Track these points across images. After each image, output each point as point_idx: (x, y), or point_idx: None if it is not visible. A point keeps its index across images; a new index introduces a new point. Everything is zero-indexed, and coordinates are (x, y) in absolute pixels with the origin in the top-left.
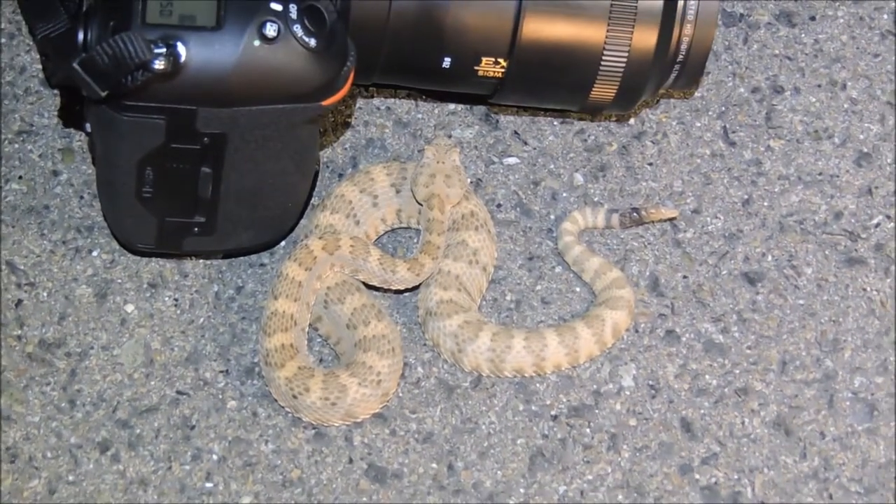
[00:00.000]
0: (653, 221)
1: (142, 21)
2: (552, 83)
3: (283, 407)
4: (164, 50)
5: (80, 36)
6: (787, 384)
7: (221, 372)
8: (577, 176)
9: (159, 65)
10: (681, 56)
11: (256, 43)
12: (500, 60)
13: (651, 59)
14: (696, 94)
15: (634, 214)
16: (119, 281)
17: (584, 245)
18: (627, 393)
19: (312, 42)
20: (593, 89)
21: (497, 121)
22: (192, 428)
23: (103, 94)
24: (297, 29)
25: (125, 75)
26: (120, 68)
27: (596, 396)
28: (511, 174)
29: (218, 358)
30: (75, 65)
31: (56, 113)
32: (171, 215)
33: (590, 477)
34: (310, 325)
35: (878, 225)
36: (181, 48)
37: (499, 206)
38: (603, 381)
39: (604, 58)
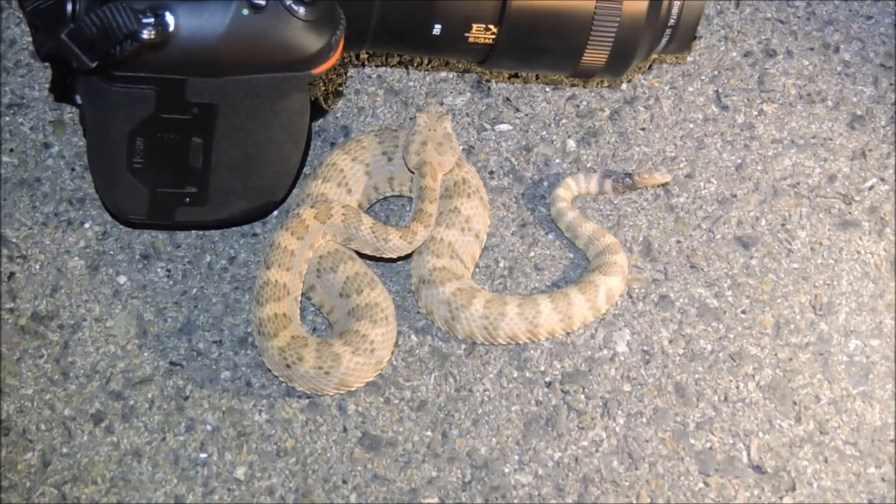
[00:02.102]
0: (646, 187)
1: None
2: (543, 49)
3: (276, 376)
4: (152, 20)
5: (69, 7)
6: (781, 348)
7: (215, 342)
8: (569, 142)
9: (147, 35)
10: (672, 20)
11: (245, 12)
12: (491, 27)
13: (642, 23)
14: (689, 58)
15: (627, 180)
16: (111, 252)
17: (578, 211)
18: (621, 358)
19: (301, 10)
20: (585, 54)
21: (489, 88)
22: (186, 399)
23: (92, 64)
24: None
25: (113, 45)
26: (108, 38)
27: (590, 362)
28: (503, 141)
29: (211, 328)
30: (63, 36)
31: (47, 86)
32: (162, 186)
33: (584, 443)
34: (303, 294)
35: (871, 187)
36: (169, 18)
37: (491, 173)
38: (597, 347)
39: (595, 22)
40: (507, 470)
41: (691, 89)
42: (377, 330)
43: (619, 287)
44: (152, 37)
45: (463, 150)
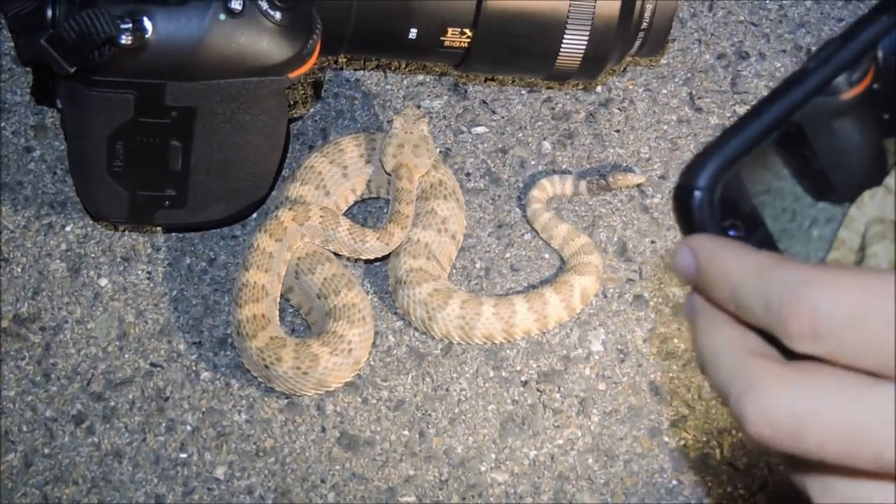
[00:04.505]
0: (620, 188)
1: None
2: (517, 53)
3: (255, 377)
4: (130, 25)
5: (49, 13)
6: None
7: (194, 343)
8: (545, 144)
9: (125, 40)
10: (644, 24)
11: (222, 17)
12: (466, 31)
13: (615, 27)
14: (662, 61)
15: (602, 181)
16: (92, 255)
17: (553, 212)
18: (596, 357)
19: (278, 15)
20: (558, 58)
21: (465, 91)
22: (166, 399)
23: (71, 69)
24: (263, 3)
25: (92, 51)
26: (86, 44)
27: (565, 362)
28: (480, 143)
29: (191, 330)
30: (43, 41)
31: (29, 90)
32: (142, 189)
33: (560, 441)
34: (281, 295)
35: None
36: (147, 23)
37: (468, 174)
38: (572, 347)
39: (568, 26)
40: (483, 468)
41: (665, 91)
42: (354, 330)
43: (593, 287)
44: (130, 42)
45: (440, 152)
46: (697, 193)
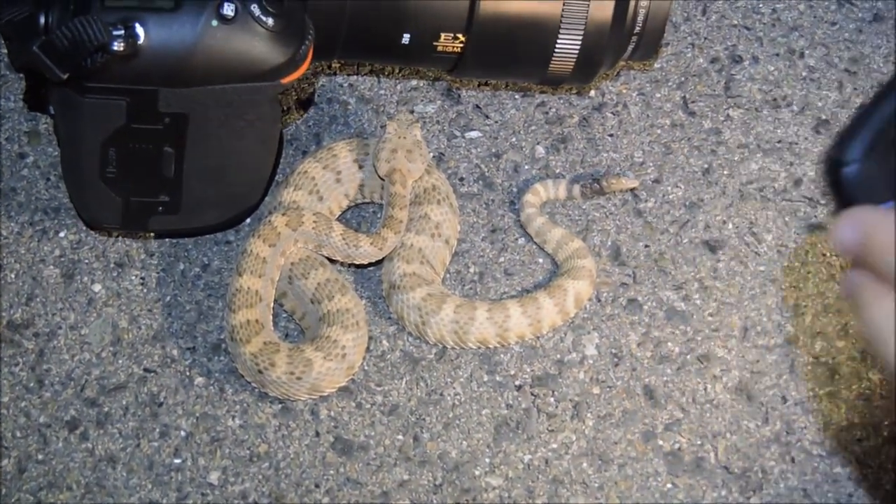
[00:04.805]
0: (614, 192)
1: (101, 4)
2: (511, 58)
3: (249, 382)
4: (122, 32)
5: (42, 20)
6: (748, 350)
7: (188, 349)
8: (538, 148)
9: (118, 46)
10: (637, 27)
11: (214, 23)
12: (459, 36)
13: (608, 31)
14: (656, 65)
15: (596, 185)
16: (86, 261)
17: (546, 216)
18: (591, 362)
19: (270, 21)
20: (552, 63)
21: (459, 95)
22: (160, 405)
23: (64, 76)
24: (255, 9)
25: (84, 58)
26: (79, 51)
27: (559, 366)
28: (473, 148)
29: (185, 335)
30: (35, 48)
31: (22, 97)
32: (135, 195)
33: (554, 445)
34: (275, 300)
35: None
36: (140, 30)
37: (461, 179)
38: (566, 351)
39: (561, 31)
40: (477, 472)
41: (659, 95)
42: (348, 335)
43: (587, 291)
44: (123, 48)
45: (433, 157)
46: (851, 166)
